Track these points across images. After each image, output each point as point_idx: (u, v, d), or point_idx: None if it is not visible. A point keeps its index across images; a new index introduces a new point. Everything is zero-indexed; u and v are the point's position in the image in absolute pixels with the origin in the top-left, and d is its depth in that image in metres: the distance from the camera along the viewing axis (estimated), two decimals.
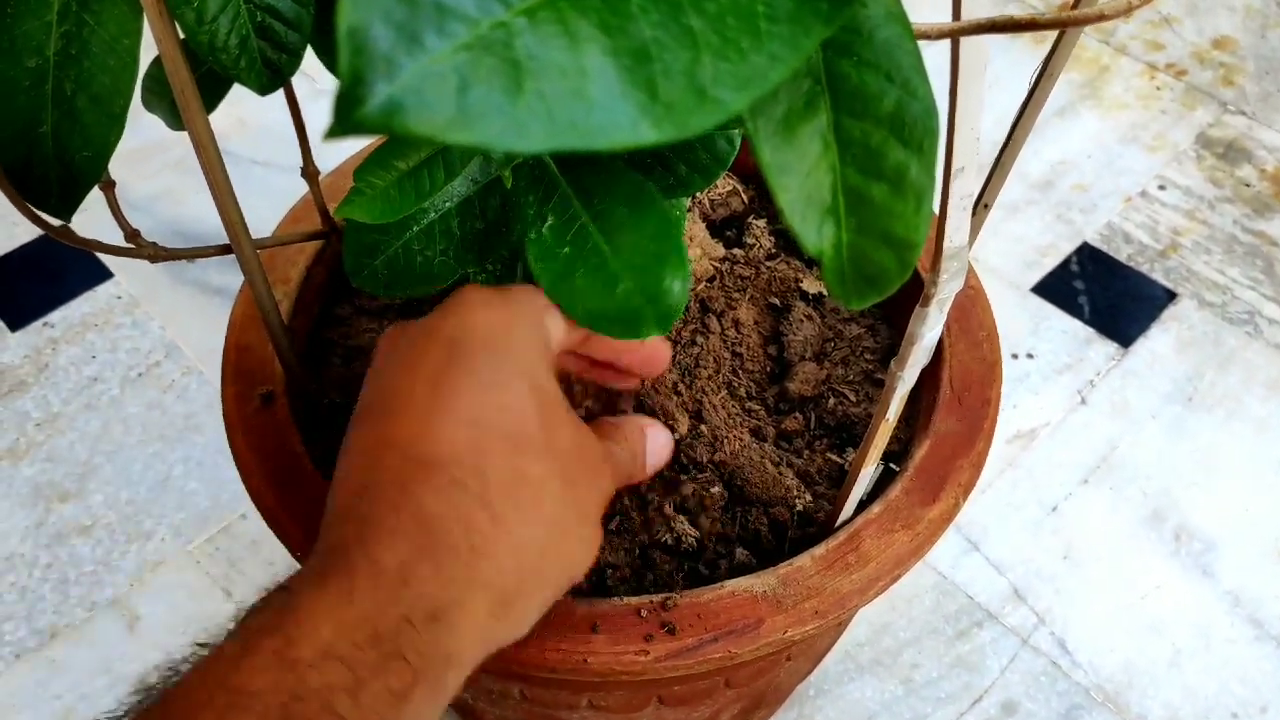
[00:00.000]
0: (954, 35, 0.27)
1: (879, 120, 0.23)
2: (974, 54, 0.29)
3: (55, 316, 0.94)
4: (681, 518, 0.50)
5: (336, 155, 0.60)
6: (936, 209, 0.31)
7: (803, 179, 0.23)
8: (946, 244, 0.34)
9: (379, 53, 0.15)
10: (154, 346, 0.92)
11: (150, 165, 1.05)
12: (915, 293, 0.36)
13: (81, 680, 0.74)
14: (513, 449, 0.36)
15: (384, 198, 0.39)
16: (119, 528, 0.81)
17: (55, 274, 0.97)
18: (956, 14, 0.28)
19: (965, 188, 0.32)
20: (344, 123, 0.15)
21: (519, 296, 0.40)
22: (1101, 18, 0.27)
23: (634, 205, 0.41)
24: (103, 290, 0.95)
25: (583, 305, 0.40)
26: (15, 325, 0.93)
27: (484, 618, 0.34)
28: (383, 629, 0.32)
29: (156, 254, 0.42)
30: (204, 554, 0.80)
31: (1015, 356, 0.92)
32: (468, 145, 0.16)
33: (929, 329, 0.36)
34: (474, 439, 0.35)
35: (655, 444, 0.46)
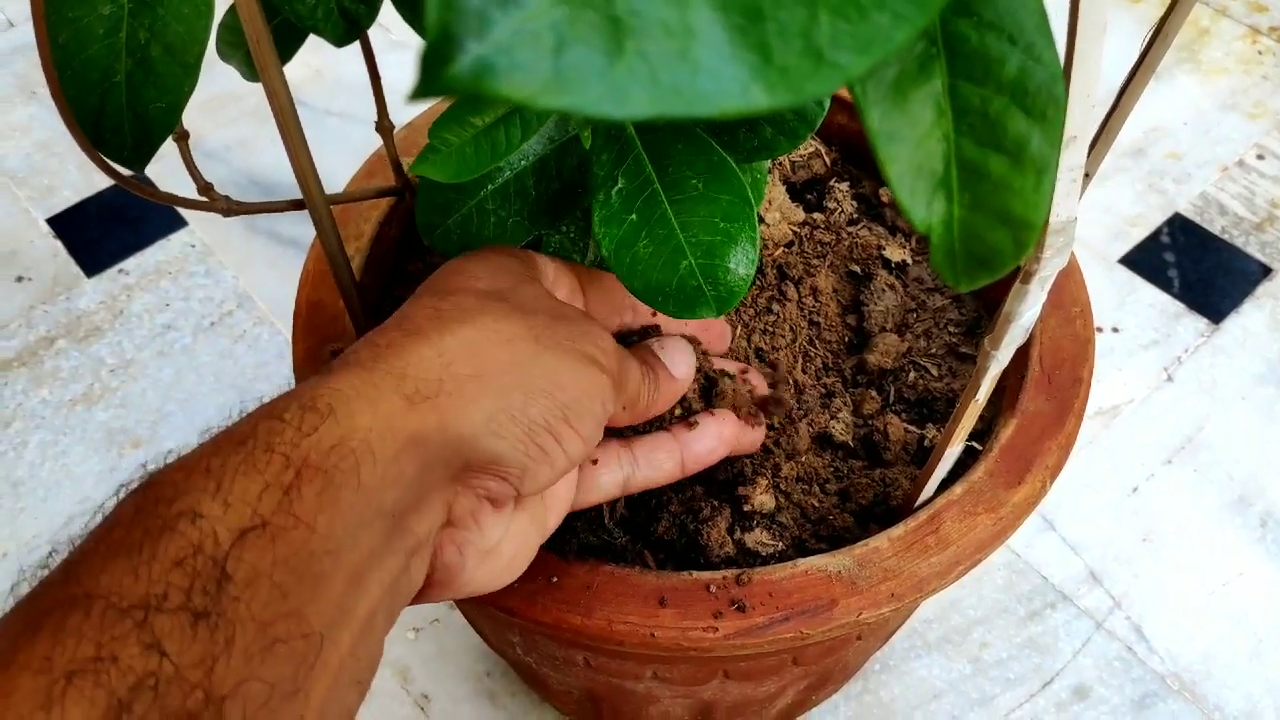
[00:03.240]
0: None
1: (1000, 86, 0.21)
2: (1094, 14, 0.27)
3: (130, 264, 0.94)
4: (760, 485, 0.48)
5: (411, 109, 0.59)
6: None
7: (913, 148, 0.21)
8: (1054, 218, 0.32)
9: (470, 7, 0.14)
10: (226, 296, 0.92)
11: (226, 114, 1.05)
12: None
13: None
14: (444, 295, 0.36)
15: (459, 156, 0.38)
16: None
17: (131, 221, 0.97)
18: None
19: (1076, 158, 0.30)
20: (430, 83, 0.14)
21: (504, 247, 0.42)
22: None
23: (710, 177, 0.39)
24: (177, 238, 0.96)
25: (641, 277, 0.39)
26: (91, 271, 0.94)
27: (396, 404, 0.32)
28: (246, 433, 0.30)
29: (230, 208, 0.41)
30: None
31: (1100, 330, 0.89)
32: (563, 110, 0.14)
33: (1028, 307, 0.34)
34: (406, 304, 0.37)
35: (671, 353, 0.45)
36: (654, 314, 0.47)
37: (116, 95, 0.36)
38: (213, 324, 0.90)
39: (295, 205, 0.42)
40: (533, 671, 0.58)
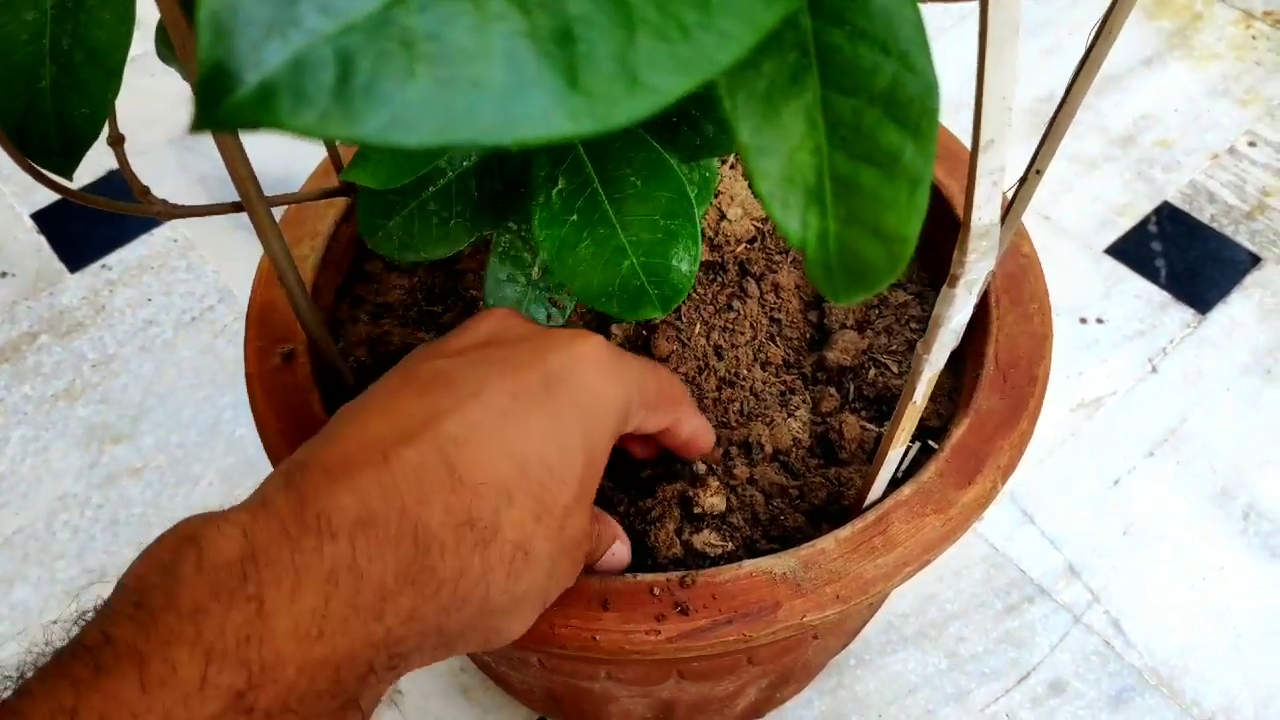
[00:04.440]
0: None
1: (872, 98, 0.21)
2: (1004, 14, 0.27)
3: (113, 259, 0.94)
4: (711, 487, 0.48)
5: None
6: (960, 185, 0.28)
7: (785, 162, 0.21)
8: (975, 222, 0.31)
9: (248, 37, 0.14)
10: (208, 291, 0.92)
11: None
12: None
13: None
14: (540, 490, 0.35)
15: (391, 161, 0.38)
16: (169, 471, 0.82)
17: (113, 216, 0.97)
18: None
19: (994, 162, 0.30)
20: (209, 116, 0.14)
21: (629, 373, 0.39)
22: None
23: (648, 175, 0.39)
24: (159, 234, 0.96)
25: (583, 278, 0.39)
26: (74, 267, 0.94)
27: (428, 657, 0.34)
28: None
29: (164, 211, 0.41)
30: None
31: (1084, 321, 0.88)
32: (348, 139, 0.14)
33: (956, 311, 0.34)
34: (518, 470, 0.34)
35: (615, 554, 0.45)
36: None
37: (42, 101, 0.36)
38: (194, 319, 0.90)
39: (235, 208, 0.42)
40: (494, 670, 0.58)
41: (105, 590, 0.30)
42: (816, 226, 0.21)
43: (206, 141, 1.01)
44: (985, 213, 0.31)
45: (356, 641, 0.30)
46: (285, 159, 0.78)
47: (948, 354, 0.36)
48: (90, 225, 0.96)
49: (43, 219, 0.97)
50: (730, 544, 0.46)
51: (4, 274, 0.94)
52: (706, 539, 0.46)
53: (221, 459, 0.82)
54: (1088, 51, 0.41)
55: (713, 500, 0.47)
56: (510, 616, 0.36)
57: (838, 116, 0.21)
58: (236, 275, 0.93)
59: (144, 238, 0.96)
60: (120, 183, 0.93)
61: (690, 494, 0.47)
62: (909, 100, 0.21)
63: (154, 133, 0.97)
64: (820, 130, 0.21)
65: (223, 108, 0.13)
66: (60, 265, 0.94)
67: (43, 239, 0.96)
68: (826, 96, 0.21)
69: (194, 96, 0.14)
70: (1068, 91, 0.42)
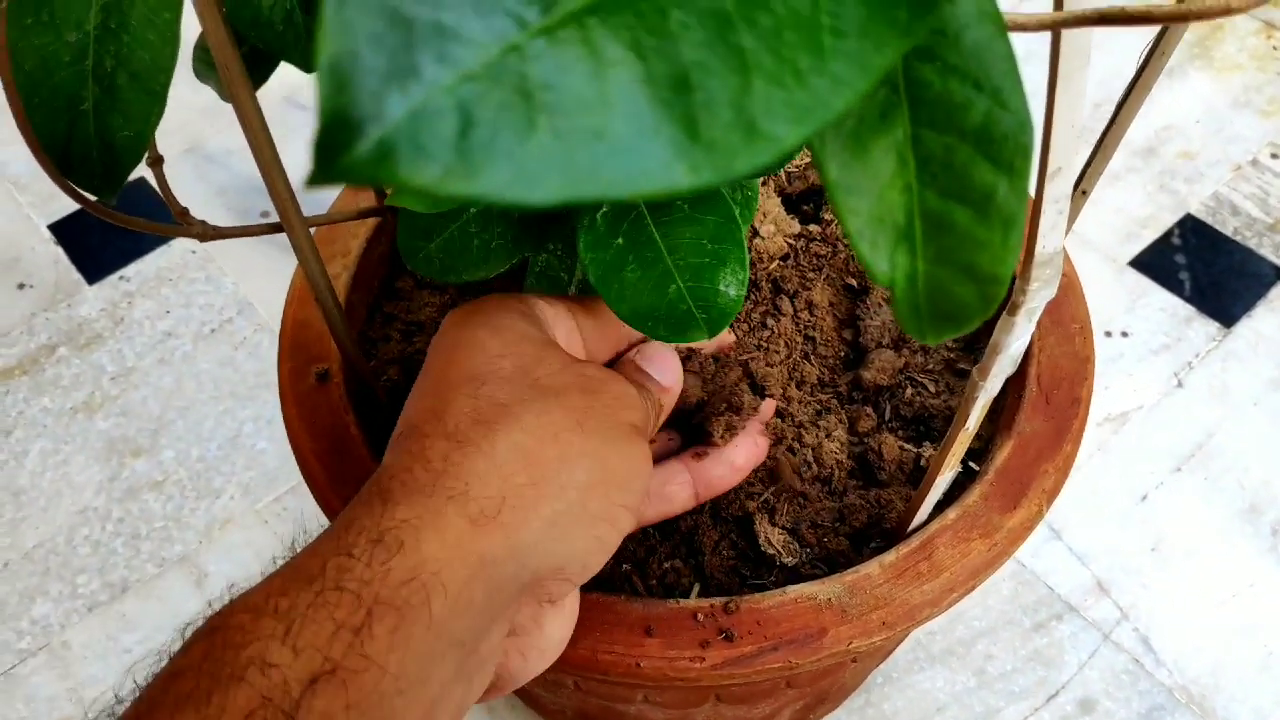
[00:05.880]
0: (1056, 28, 0.24)
1: (964, 135, 0.20)
2: (1075, 46, 0.26)
3: (131, 270, 0.94)
4: (762, 516, 0.48)
5: None
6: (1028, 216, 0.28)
7: (874, 200, 0.20)
8: (1039, 250, 0.31)
9: (367, 87, 0.13)
10: (226, 303, 0.92)
11: (226, 119, 1.04)
12: None
13: (150, 635, 0.75)
14: (476, 384, 0.35)
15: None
16: (189, 484, 0.81)
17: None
18: (1059, 3, 0.25)
19: (1061, 189, 0.29)
20: (326, 171, 0.13)
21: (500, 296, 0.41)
22: (1228, 11, 0.24)
23: (698, 199, 0.38)
24: (177, 245, 0.95)
25: (630, 302, 0.38)
26: (93, 278, 0.93)
27: (463, 529, 0.31)
28: (315, 570, 0.30)
29: (206, 233, 0.40)
30: (272, 513, 0.80)
31: (1109, 334, 0.88)
32: (468, 199, 0.13)
33: (1016, 339, 0.33)
34: (435, 394, 0.36)
35: (655, 363, 0.44)
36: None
37: (84, 123, 0.35)
38: (213, 331, 0.90)
39: (274, 228, 0.42)
40: (525, 691, 0.57)
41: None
42: (905, 266, 0.21)
43: (224, 152, 1.00)
44: (1050, 240, 0.30)
45: None
46: (296, 167, 0.77)
47: (1003, 380, 0.36)
48: (108, 237, 0.96)
49: (61, 230, 0.97)
50: (796, 558, 0.46)
51: (22, 285, 0.93)
52: (781, 540, 0.46)
53: (243, 473, 0.82)
54: (1139, 73, 0.41)
55: (777, 535, 0.47)
56: (560, 446, 0.35)
57: (929, 154, 0.20)
58: (255, 287, 0.93)
59: (162, 249, 0.95)
60: (140, 195, 0.93)
61: (755, 529, 0.47)
62: (1002, 137, 0.20)
63: (172, 143, 0.96)
64: (910, 168, 0.20)
65: (341, 162, 0.13)
66: (78, 277, 0.94)
67: (61, 250, 0.96)
68: (917, 133, 0.20)
69: (313, 148, 0.13)
70: (1117, 111, 0.42)
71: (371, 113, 0.13)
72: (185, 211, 0.40)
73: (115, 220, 0.39)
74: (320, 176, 0.13)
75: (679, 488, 0.45)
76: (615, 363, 0.45)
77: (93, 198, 0.36)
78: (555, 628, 0.38)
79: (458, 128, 0.13)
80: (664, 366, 0.44)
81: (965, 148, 0.20)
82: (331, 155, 0.13)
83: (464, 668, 0.32)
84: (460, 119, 0.13)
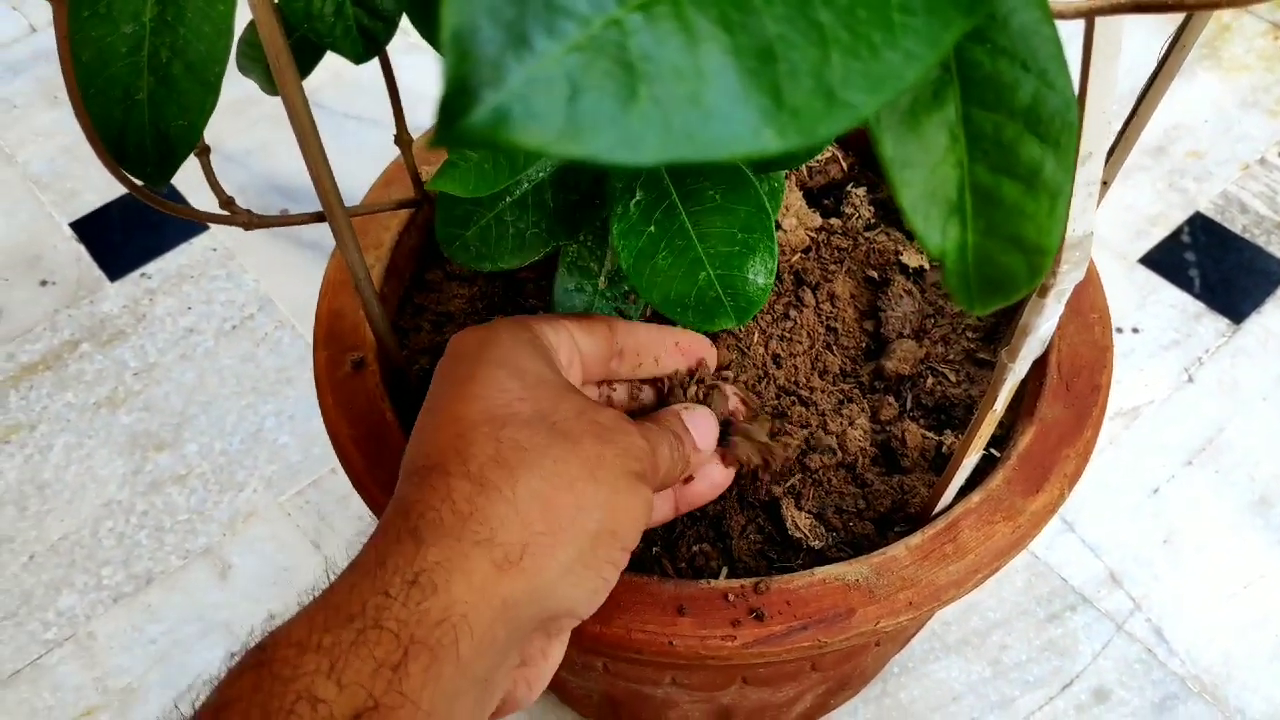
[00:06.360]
0: (1091, 14, 0.25)
1: (1013, 113, 0.21)
2: (1109, 33, 0.27)
3: (152, 267, 0.95)
4: (789, 500, 0.49)
5: (429, 113, 0.60)
6: None
7: (927, 175, 0.21)
8: (1070, 232, 0.32)
9: (486, 57, 0.14)
10: (248, 299, 0.93)
11: (247, 118, 1.05)
12: None
13: (175, 626, 0.76)
14: (497, 425, 0.37)
15: (478, 170, 0.38)
16: (212, 478, 0.82)
17: (153, 225, 0.98)
18: None
19: (1092, 173, 0.30)
20: (448, 133, 0.14)
21: (502, 319, 0.43)
22: None
23: (728, 189, 0.39)
24: (199, 242, 0.97)
25: (662, 289, 0.39)
26: (115, 275, 0.95)
27: (488, 573, 0.34)
28: (355, 609, 0.32)
29: (251, 221, 0.42)
30: (294, 506, 0.81)
31: (1120, 331, 0.89)
32: (578, 159, 0.14)
33: (1045, 320, 0.34)
34: (456, 432, 0.37)
35: (698, 424, 0.45)
36: (639, 363, 0.47)
37: (139, 113, 0.37)
38: (234, 327, 0.91)
39: (316, 218, 0.43)
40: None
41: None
42: (956, 238, 0.22)
43: (243, 152, 1.02)
44: (1081, 224, 0.31)
45: None
46: (296, 174, 0.78)
47: (1031, 362, 0.37)
48: (130, 234, 0.97)
49: (82, 228, 0.98)
50: (823, 542, 0.47)
51: (44, 283, 0.94)
52: (807, 524, 0.47)
53: (265, 467, 0.83)
54: (1160, 64, 0.42)
55: (804, 519, 0.48)
56: (575, 494, 0.37)
57: (979, 131, 0.21)
58: (276, 283, 0.94)
59: (183, 246, 0.96)
60: (167, 188, 0.94)
61: (783, 514, 0.48)
62: (1049, 115, 0.21)
63: None
64: (961, 144, 0.21)
65: (463, 125, 0.14)
66: (100, 274, 0.95)
67: (82, 248, 0.97)
68: (968, 111, 0.21)
69: (437, 111, 0.14)
70: (1138, 103, 0.43)
71: (490, 80, 0.14)
72: (231, 200, 0.41)
73: (165, 209, 0.40)
74: (443, 137, 0.14)
75: (661, 500, 0.46)
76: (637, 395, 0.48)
77: (143, 185, 0.38)
78: (557, 656, 0.40)
79: (567, 94, 0.15)
80: (706, 431, 0.46)
81: (1014, 125, 0.21)
82: (454, 118, 0.14)
83: (481, 700, 0.34)
84: (569, 86, 0.15)
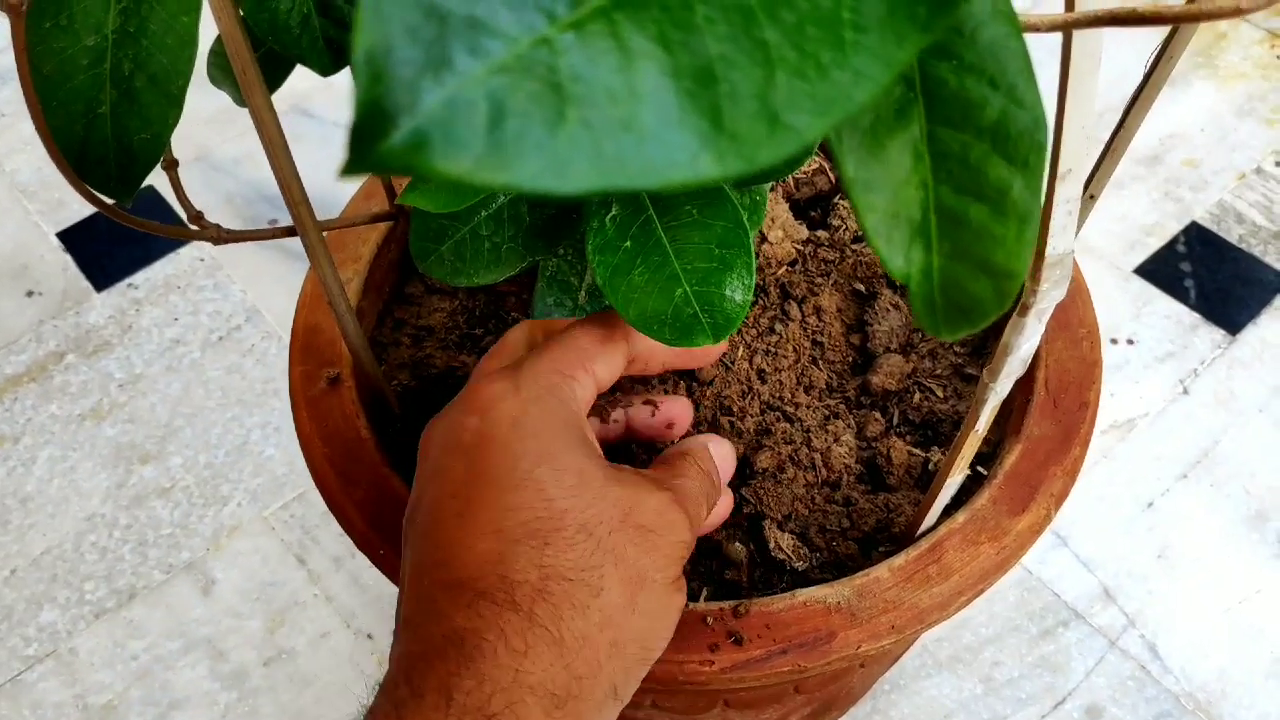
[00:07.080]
0: (1067, 28, 0.24)
1: (980, 132, 0.20)
2: (1087, 47, 0.26)
3: (139, 278, 0.94)
4: (771, 521, 0.48)
5: None
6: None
7: (890, 196, 0.20)
8: (1049, 251, 0.31)
9: (402, 79, 0.13)
10: (235, 310, 0.92)
11: (234, 128, 1.05)
12: None
13: (157, 642, 0.75)
14: (540, 544, 0.35)
15: (449, 185, 0.38)
16: (196, 491, 0.82)
17: (140, 236, 0.97)
18: (1070, 4, 0.25)
19: (1072, 191, 0.30)
20: (361, 159, 0.13)
21: (529, 377, 0.39)
22: (1238, 11, 0.24)
23: (705, 204, 0.39)
24: (185, 253, 0.96)
25: (638, 305, 0.38)
26: (101, 286, 0.94)
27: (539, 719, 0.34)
28: None
29: (220, 236, 0.41)
30: (279, 520, 0.80)
31: (1115, 342, 0.88)
32: (499, 187, 0.14)
33: (1026, 339, 0.33)
34: (497, 550, 0.35)
35: (722, 456, 0.44)
36: (644, 367, 0.46)
37: (101, 126, 0.36)
38: (221, 338, 0.90)
39: (288, 232, 0.42)
40: None
41: None
42: (921, 262, 0.21)
43: (231, 161, 1.01)
44: (1061, 242, 0.31)
45: None
46: (305, 172, 0.77)
47: (1013, 382, 0.36)
48: (116, 244, 0.97)
49: (69, 238, 0.97)
50: (806, 563, 0.46)
51: (30, 293, 0.94)
52: (790, 544, 0.46)
53: (250, 480, 0.82)
54: (1146, 76, 0.41)
55: (787, 539, 0.47)
56: (618, 624, 0.37)
57: (944, 151, 0.21)
58: (263, 294, 0.93)
59: (170, 257, 0.96)
60: (147, 200, 0.93)
61: (765, 535, 0.47)
62: (1018, 135, 0.20)
63: (179, 151, 0.96)
64: (926, 165, 0.21)
65: (376, 152, 0.13)
66: (87, 284, 0.94)
67: (69, 258, 0.96)
68: (933, 131, 0.21)
69: (348, 137, 0.13)
70: (1125, 115, 0.42)
71: (406, 103, 0.13)
72: (200, 215, 0.41)
73: (130, 223, 0.39)
74: (355, 165, 0.13)
75: None
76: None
77: (109, 201, 0.37)
78: None
79: (489, 118, 0.14)
80: (729, 464, 0.45)
81: (981, 144, 0.20)
82: (366, 144, 0.13)
83: None
84: (492, 109, 0.14)
